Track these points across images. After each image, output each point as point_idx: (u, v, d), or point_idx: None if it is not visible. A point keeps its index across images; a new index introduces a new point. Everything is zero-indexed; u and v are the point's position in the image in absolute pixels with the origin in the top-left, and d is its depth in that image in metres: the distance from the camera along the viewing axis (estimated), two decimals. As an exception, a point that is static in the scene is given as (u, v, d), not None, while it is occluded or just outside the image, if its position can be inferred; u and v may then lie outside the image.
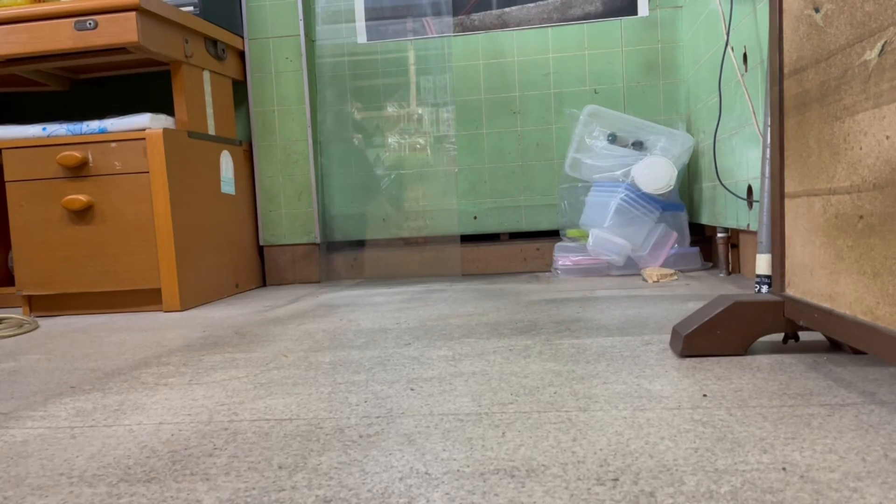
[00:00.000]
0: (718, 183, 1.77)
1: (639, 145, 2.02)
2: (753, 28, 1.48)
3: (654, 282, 1.77)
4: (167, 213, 1.76)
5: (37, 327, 1.64)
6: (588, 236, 1.97)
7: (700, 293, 1.54)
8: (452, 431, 0.70)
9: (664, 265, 1.94)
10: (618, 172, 1.99)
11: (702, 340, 0.93)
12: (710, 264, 2.05)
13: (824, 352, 0.93)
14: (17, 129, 1.84)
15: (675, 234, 1.96)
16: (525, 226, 2.27)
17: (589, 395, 0.80)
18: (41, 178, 1.79)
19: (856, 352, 0.90)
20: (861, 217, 0.71)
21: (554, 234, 2.26)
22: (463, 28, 2.26)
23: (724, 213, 1.78)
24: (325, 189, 2.32)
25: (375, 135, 2.30)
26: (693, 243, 2.03)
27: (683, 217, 2.01)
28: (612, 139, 2.05)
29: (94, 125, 1.80)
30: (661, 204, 1.96)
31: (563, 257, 2.02)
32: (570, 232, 2.13)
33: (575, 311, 1.40)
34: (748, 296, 0.95)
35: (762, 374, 0.84)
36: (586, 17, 2.19)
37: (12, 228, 1.80)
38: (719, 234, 1.84)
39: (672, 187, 1.94)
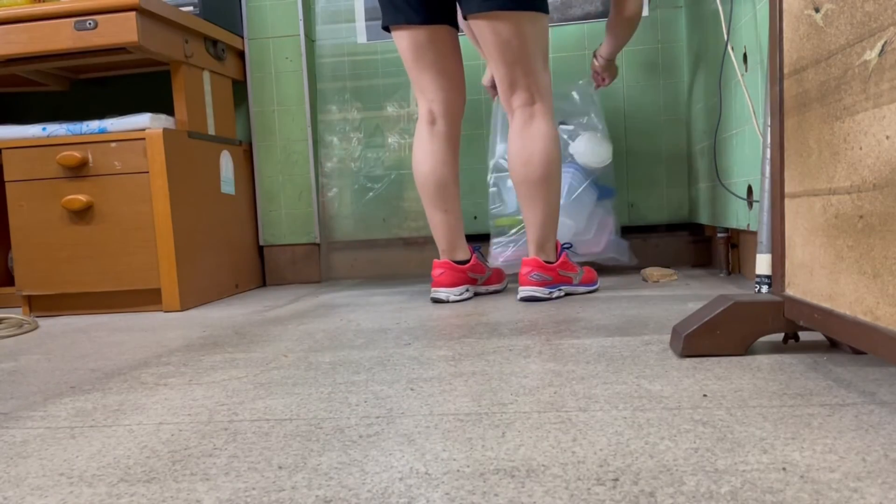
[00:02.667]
0: (718, 183, 1.77)
1: (563, 123, 1.93)
2: (753, 28, 1.48)
3: (654, 282, 1.77)
4: (167, 213, 1.76)
5: (37, 327, 1.64)
6: (520, 224, 1.82)
7: (700, 293, 1.54)
8: (452, 431, 0.70)
9: (602, 251, 1.87)
10: None
11: (702, 340, 0.93)
12: (637, 260, 2.00)
13: (824, 352, 0.93)
14: (17, 129, 1.84)
15: (612, 218, 1.88)
16: (525, 226, 2.26)
17: (589, 395, 0.80)
18: (41, 178, 1.79)
19: (856, 352, 0.90)
20: (861, 217, 0.71)
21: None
22: (463, 28, 2.26)
23: (724, 213, 1.78)
24: (324, 189, 2.32)
25: (375, 135, 2.30)
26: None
27: (613, 203, 1.92)
28: None
29: (94, 125, 1.80)
30: (597, 187, 1.89)
31: (501, 252, 1.86)
32: (500, 221, 1.90)
33: (575, 310, 1.40)
34: (748, 296, 0.95)
35: (762, 374, 0.84)
36: (586, 17, 2.19)
37: (12, 228, 1.80)
38: (719, 234, 1.84)
39: (610, 160, 1.87)
